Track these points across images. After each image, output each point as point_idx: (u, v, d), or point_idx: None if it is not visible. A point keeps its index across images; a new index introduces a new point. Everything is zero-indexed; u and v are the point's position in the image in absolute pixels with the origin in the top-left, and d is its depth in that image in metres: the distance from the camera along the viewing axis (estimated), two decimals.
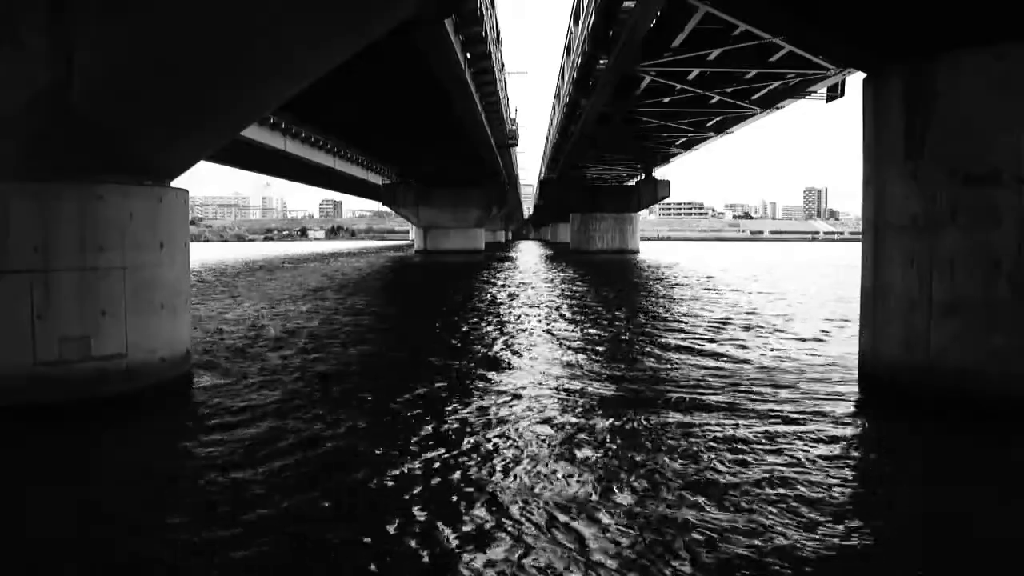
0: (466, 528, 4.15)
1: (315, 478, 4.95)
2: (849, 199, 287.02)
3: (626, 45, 16.14)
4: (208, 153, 8.30)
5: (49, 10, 5.61)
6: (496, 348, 10.40)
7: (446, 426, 6.24)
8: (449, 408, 6.83)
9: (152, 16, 5.80)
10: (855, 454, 5.55)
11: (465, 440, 5.81)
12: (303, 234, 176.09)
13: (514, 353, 9.94)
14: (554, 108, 36.40)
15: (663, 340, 11.01)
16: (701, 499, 4.51)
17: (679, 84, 20.44)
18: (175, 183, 7.66)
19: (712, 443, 5.64)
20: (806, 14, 7.60)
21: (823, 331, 12.12)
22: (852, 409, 6.78)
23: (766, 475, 4.93)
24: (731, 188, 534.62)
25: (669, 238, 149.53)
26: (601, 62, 19.07)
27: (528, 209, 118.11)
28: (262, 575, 3.68)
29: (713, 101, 23.12)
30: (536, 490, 4.69)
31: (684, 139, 33.59)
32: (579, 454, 5.42)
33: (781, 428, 6.06)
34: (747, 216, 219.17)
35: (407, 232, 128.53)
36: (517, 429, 6.11)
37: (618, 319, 13.90)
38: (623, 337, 11.47)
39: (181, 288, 7.54)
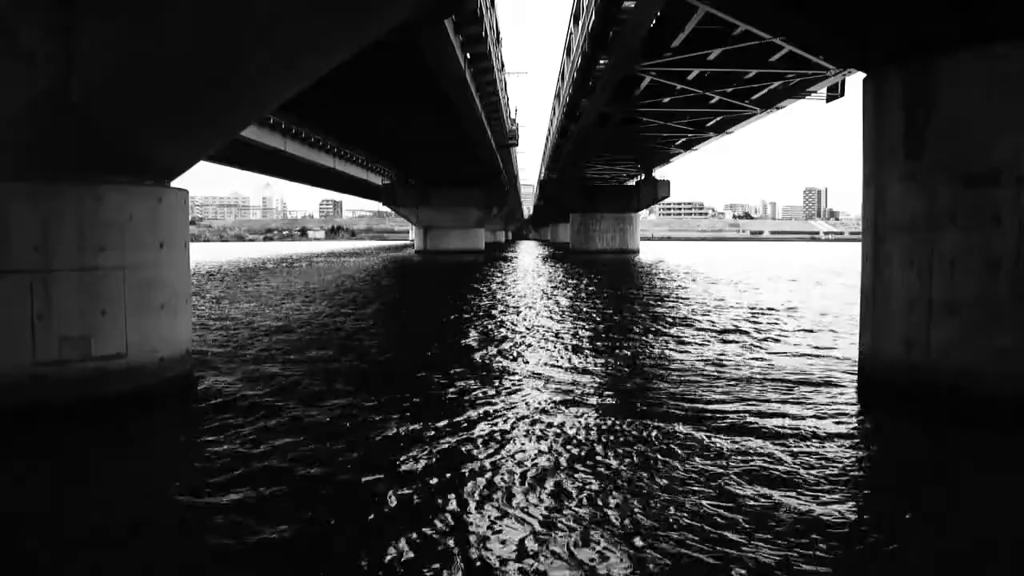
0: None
1: (314, 478, 4.95)
2: (849, 199, 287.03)
3: (626, 45, 16.15)
4: (208, 153, 8.29)
5: (49, 10, 5.61)
6: (500, 353, 10.41)
7: (460, 430, 6.24)
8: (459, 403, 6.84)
9: (152, 16, 5.80)
10: (855, 454, 5.54)
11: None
12: (303, 234, 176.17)
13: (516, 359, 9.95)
14: (554, 108, 36.40)
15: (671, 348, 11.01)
16: (701, 493, 4.52)
17: (679, 84, 20.44)
18: (175, 183, 7.66)
19: (715, 443, 5.65)
20: (807, 14, 7.60)
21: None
22: (852, 409, 6.78)
23: (767, 476, 4.94)
24: (731, 188, 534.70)
25: (669, 238, 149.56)
26: (601, 62, 19.08)
27: (528, 209, 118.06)
28: None
29: (713, 101, 23.13)
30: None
31: (684, 139, 33.60)
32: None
33: (783, 426, 6.07)
34: (747, 216, 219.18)
35: (407, 232, 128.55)
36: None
37: (626, 333, 13.87)
38: (627, 351, 11.46)
39: (181, 288, 7.54)
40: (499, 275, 28.93)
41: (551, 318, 14.08)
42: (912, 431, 6.25)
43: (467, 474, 5.04)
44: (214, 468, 5.13)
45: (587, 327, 12.69)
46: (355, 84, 19.00)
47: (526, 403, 7.02)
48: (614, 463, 5.25)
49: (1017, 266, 6.00)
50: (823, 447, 5.58)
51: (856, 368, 7.85)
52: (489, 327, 12.74)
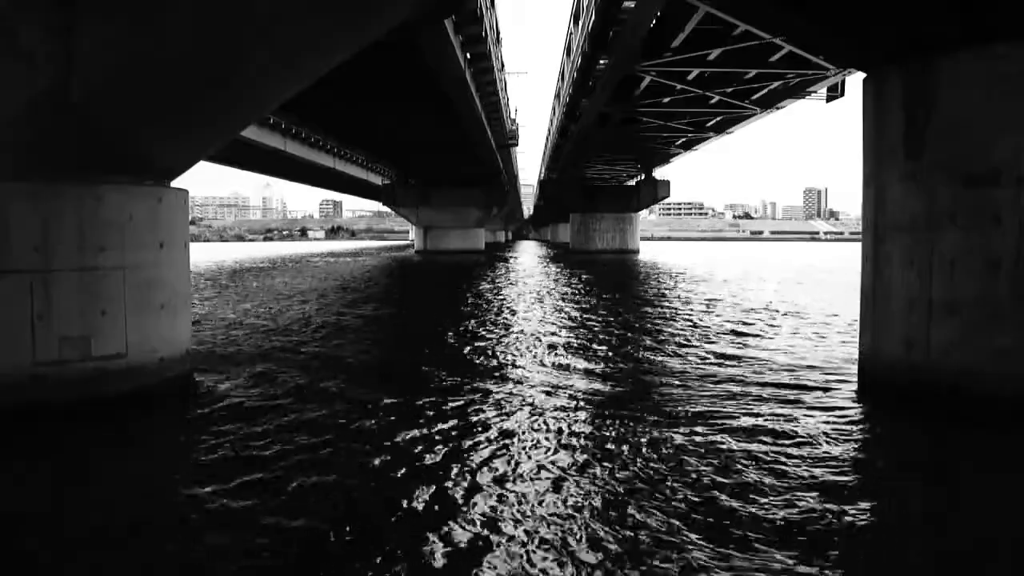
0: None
1: (313, 478, 4.95)
2: (849, 199, 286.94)
3: (626, 45, 16.16)
4: (208, 153, 8.29)
5: (49, 10, 5.61)
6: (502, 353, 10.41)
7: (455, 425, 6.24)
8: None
9: (152, 16, 5.80)
10: (855, 453, 5.54)
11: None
12: (303, 234, 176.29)
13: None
14: (554, 108, 36.41)
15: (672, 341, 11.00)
16: (699, 494, 4.52)
17: (679, 84, 20.45)
18: (175, 183, 7.66)
19: (713, 443, 5.65)
20: (807, 14, 7.60)
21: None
22: (852, 409, 6.78)
23: (766, 475, 4.94)
24: (731, 188, 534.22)
25: (669, 238, 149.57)
26: (601, 62, 19.09)
27: (528, 209, 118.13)
28: None
29: (713, 101, 23.14)
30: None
31: (684, 139, 33.62)
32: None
33: (783, 426, 6.07)
34: (747, 216, 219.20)
35: (407, 232, 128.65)
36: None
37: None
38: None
39: (181, 288, 7.54)
40: (499, 275, 28.94)
41: (550, 319, 14.08)
42: (912, 431, 6.25)
43: (467, 476, 5.04)
44: (214, 468, 5.13)
45: (584, 326, 12.69)
46: (355, 84, 19.00)
47: (526, 406, 7.02)
48: (610, 462, 5.25)
49: (1017, 266, 6.00)
50: (823, 447, 5.58)
51: (856, 368, 7.85)
52: (487, 327, 12.74)
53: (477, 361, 9.37)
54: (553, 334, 11.73)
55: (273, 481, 4.86)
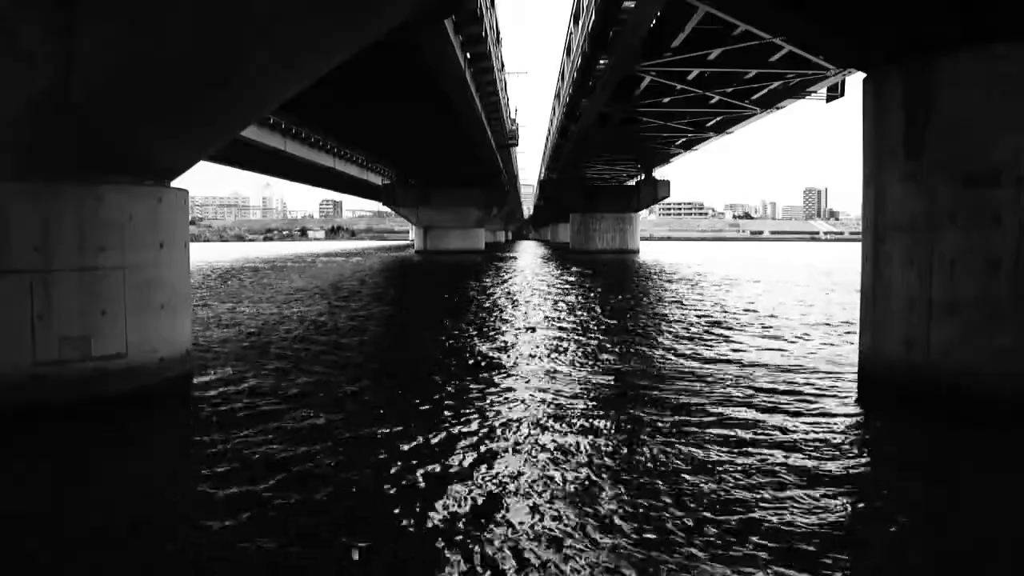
0: None
1: (312, 478, 4.95)
2: (849, 199, 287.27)
3: (626, 45, 16.17)
4: (208, 153, 8.29)
5: (49, 10, 5.61)
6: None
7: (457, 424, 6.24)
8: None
9: (152, 16, 5.80)
10: (855, 453, 5.54)
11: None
12: (303, 234, 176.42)
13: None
14: (554, 108, 36.43)
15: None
16: (698, 494, 4.52)
17: (679, 84, 20.46)
18: (175, 183, 7.66)
19: (712, 443, 5.66)
20: (807, 14, 7.60)
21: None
22: (852, 408, 6.78)
23: (767, 475, 4.94)
24: (731, 188, 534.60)
25: (669, 238, 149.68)
26: (601, 62, 19.10)
27: (528, 209, 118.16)
28: None
29: (713, 101, 23.15)
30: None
31: (684, 139, 33.64)
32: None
33: (783, 426, 6.07)
34: (747, 216, 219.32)
35: (407, 232, 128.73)
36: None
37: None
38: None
39: (181, 288, 7.54)
40: (499, 275, 28.94)
41: (549, 319, 14.08)
42: (912, 431, 6.25)
43: (468, 479, 5.04)
44: (214, 468, 5.13)
45: (582, 325, 12.69)
46: (355, 84, 19.01)
47: (527, 411, 7.02)
48: (609, 464, 5.25)
49: (1017, 266, 6.00)
50: (823, 447, 5.58)
51: (856, 368, 7.85)
52: (486, 327, 12.74)
53: (474, 359, 9.36)
54: (551, 334, 11.73)
55: (273, 481, 4.86)
